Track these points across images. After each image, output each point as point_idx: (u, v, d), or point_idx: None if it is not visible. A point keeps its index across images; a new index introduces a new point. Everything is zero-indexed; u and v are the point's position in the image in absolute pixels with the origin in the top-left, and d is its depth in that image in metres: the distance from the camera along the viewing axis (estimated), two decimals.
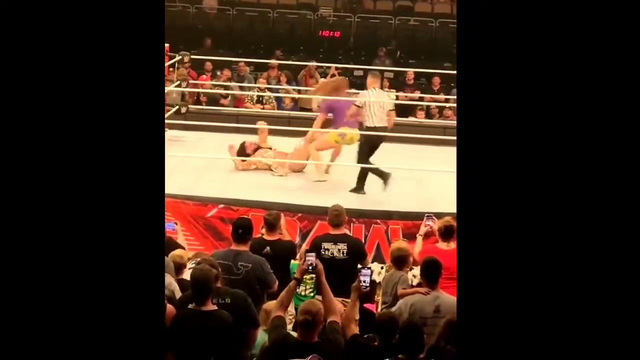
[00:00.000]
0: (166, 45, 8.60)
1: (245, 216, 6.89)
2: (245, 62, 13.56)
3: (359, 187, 8.53)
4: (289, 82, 13.33)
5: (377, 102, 8.37)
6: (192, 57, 11.97)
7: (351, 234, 7.19)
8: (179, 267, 5.78)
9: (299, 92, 13.00)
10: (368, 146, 8.45)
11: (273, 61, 13.56)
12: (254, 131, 9.66)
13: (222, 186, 8.54)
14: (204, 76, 13.38)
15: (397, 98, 13.06)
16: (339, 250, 6.22)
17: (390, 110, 8.50)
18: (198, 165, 9.07)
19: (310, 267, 4.74)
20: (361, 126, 8.57)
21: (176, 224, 7.36)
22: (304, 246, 6.78)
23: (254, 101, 12.39)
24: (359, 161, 8.51)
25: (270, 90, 12.70)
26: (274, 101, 12.55)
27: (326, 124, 8.99)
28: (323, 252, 6.10)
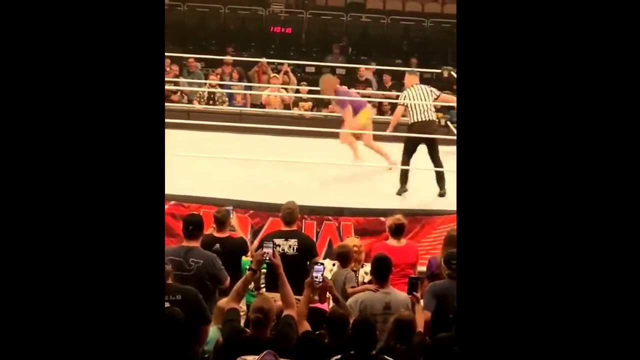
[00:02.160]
0: None
1: (196, 212, 6.87)
2: (196, 58, 13.48)
3: (402, 188, 8.58)
4: (240, 79, 13.28)
5: (418, 98, 8.54)
6: None
7: (303, 231, 7.22)
8: None
9: (250, 88, 12.98)
10: (411, 143, 8.55)
11: (228, 57, 13.48)
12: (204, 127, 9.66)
13: (174, 183, 8.48)
14: None
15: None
16: (290, 246, 6.22)
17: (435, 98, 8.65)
18: None
19: (267, 258, 4.75)
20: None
21: None
22: (255, 243, 6.78)
23: (205, 99, 12.32)
24: (402, 160, 8.59)
25: (220, 87, 12.64)
26: (226, 98, 12.50)
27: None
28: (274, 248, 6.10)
